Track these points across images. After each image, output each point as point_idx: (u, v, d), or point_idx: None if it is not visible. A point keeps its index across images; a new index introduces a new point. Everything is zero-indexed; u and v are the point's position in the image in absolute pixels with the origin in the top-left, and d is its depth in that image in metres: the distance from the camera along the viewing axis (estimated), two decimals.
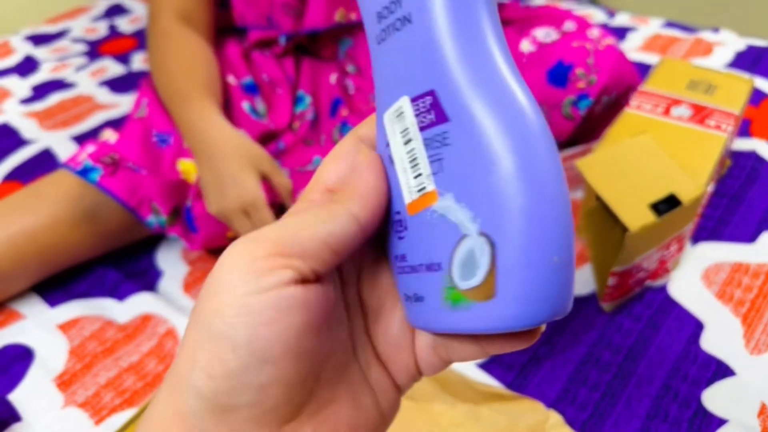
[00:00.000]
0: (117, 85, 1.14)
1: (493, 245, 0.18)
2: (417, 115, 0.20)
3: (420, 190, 0.20)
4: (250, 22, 0.83)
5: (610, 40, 0.80)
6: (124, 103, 1.08)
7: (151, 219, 0.72)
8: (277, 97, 0.83)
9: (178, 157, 0.74)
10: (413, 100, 0.20)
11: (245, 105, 0.80)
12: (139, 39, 1.30)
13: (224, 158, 0.65)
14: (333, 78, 0.86)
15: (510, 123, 0.18)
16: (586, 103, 0.78)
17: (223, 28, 0.86)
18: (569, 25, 0.81)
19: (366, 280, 0.24)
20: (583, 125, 0.81)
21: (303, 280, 0.19)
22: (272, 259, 0.19)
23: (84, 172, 0.70)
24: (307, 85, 0.86)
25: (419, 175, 0.20)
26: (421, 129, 0.20)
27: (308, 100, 0.85)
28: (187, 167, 0.74)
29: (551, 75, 0.78)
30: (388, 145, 0.21)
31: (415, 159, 0.20)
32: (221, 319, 0.19)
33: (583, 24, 0.82)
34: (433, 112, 0.19)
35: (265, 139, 0.80)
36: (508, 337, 0.21)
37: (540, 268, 0.18)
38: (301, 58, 0.86)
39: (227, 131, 0.67)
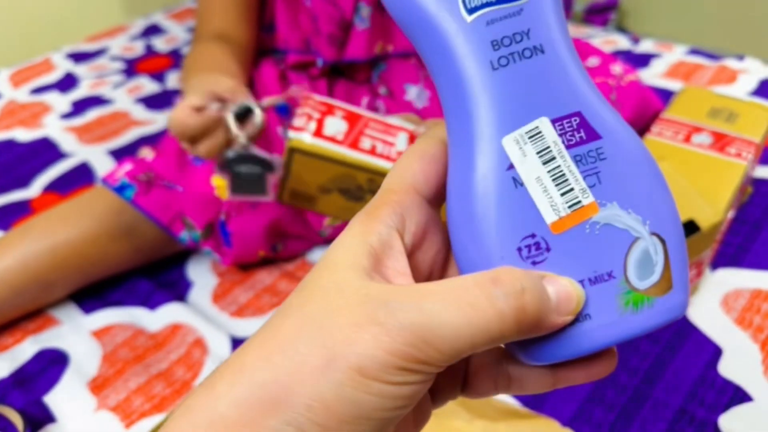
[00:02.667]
0: (152, 102, 1.19)
1: (664, 242, 0.21)
2: (561, 135, 0.22)
3: (573, 206, 0.21)
4: (291, 46, 0.86)
5: (633, 76, 0.82)
6: (158, 120, 1.12)
7: (184, 235, 0.75)
8: None
9: (213, 173, 0.77)
10: (555, 120, 0.22)
11: (279, 129, 0.83)
12: (174, 58, 1.35)
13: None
14: (364, 101, 0.88)
15: (638, 138, 0.22)
16: None
17: (264, 50, 0.89)
18: (593, 61, 0.83)
19: None
20: None
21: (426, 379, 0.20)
22: (420, 366, 0.19)
23: (120, 189, 0.74)
24: None
25: (570, 190, 0.21)
26: (568, 147, 0.22)
27: None
28: (220, 183, 0.77)
29: None
30: (511, 167, 0.21)
31: (562, 176, 0.21)
32: (354, 390, 0.19)
33: (607, 59, 0.83)
34: (583, 130, 0.22)
35: None
36: (587, 365, 0.23)
37: (686, 257, 0.22)
38: (336, 81, 0.89)
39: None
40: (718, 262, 0.73)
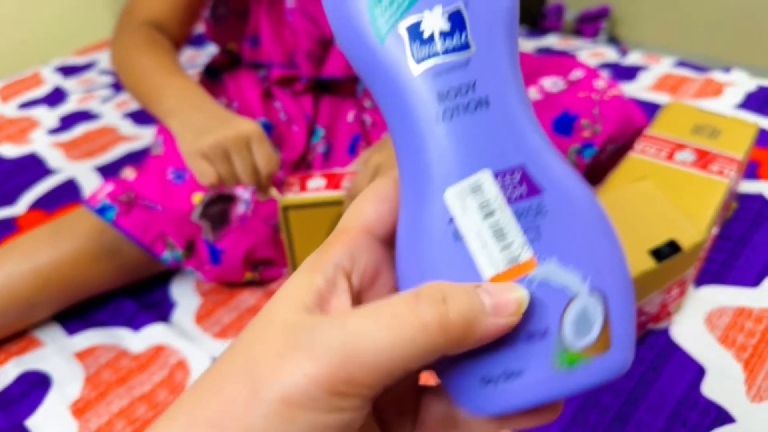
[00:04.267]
0: (140, 117, 1.18)
1: (605, 299, 0.21)
2: (503, 188, 0.21)
3: (511, 261, 0.21)
4: (275, 59, 0.86)
5: (616, 91, 0.82)
6: (146, 135, 1.12)
7: (166, 255, 0.75)
8: (293, 134, 0.86)
9: (193, 191, 0.77)
10: (497, 174, 0.21)
11: None
12: None
13: (217, 106, 0.65)
14: (351, 116, 0.88)
15: (586, 189, 0.22)
16: (590, 152, 0.80)
17: (248, 63, 0.89)
18: (577, 74, 0.84)
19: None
20: (588, 172, 0.83)
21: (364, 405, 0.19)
22: (358, 389, 0.19)
23: (102, 211, 0.74)
24: (324, 120, 0.89)
25: (509, 245, 0.21)
26: (509, 201, 0.21)
27: (321, 133, 0.88)
28: (200, 200, 0.76)
29: (557, 124, 0.80)
30: (451, 221, 0.21)
31: (501, 231, 0.21)
32: (284, 421, 0.18)
33: (591, 74, 0.84)
34: (525, 184, 0.21)
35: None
36: (533, 414, 0.22)
37: (633, 313, 0.21)
38: (321, 96, 0.89)
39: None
40: (701, 280, 0.73)
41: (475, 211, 0.21)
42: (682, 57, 1.24)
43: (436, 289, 0.19)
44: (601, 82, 0.83)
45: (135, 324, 0.74)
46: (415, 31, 0.22)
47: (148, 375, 0.68)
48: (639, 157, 0.72)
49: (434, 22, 0.21)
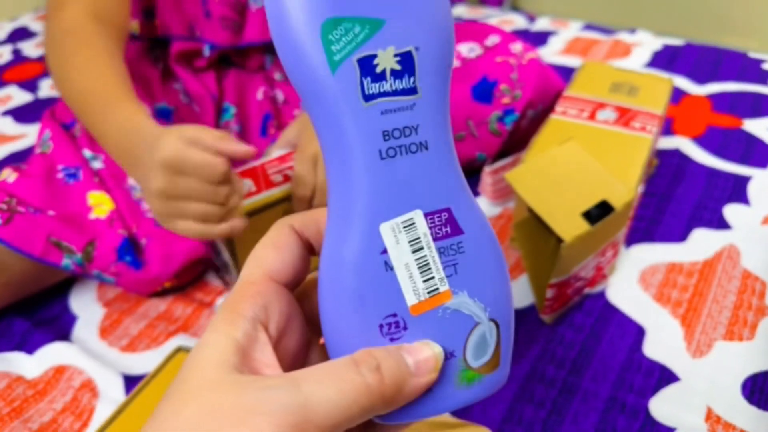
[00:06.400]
0: (22, 114, 1.07)
1: (498, 326, 0.24)
2: (431, 227, 0.23)
3: (431, 292, 0.23)
4: (173, 32, 0.78)
5: (533, 54, 0.80)
6: (30, 134, 1.01)
7: (66, 262, 0.66)
8: (196, 115, 0.79)
9: (88, 191, 0.68)
10: (427, 214, 0.23)
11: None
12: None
13: (141, 147, 0.55)
14: (260, 93, 0.82)
15: (491, 230, 0.25)
16: (511, 118, 0.77)
17: (140, 40, 0.80)
18: (493, 39, 0.81)
19: None
20: (510, 138, 0.80)
21: None
22: None
23: None
24: (233, 97, 0.81)
25: (431, 278, 0.23)
26: (435, 239, 0.23)
27: (233, 110, 0.81)
28: (98, 200, 0.68)
29: (476, 91, 0.77)
30: (385, 251, 0.23)
31: (426, 265, 0.23)
32: None
33: (507, 38, 0.81)
34: (449, 225, 0.23)
35: None
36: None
37: (512, 337, 0.25)
38: (225, 71, 0.82)
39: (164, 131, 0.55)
40: (632, 238, 0.72)
41: (406, 245, 0.23)
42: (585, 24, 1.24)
43: (370, 357, 0.21)
44: (518, 46, 0.80)
45: (29, 346, 0.65)
46: (368, 66, 0.22)
47: (47, 403, 0.60)
48: (561, 118, 0.70)
49: (387, 60, 0.22)
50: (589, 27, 1.21)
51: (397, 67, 0.22)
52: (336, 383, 0.20)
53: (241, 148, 0.53)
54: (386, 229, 0.23)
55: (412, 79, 0.22)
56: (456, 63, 0.78)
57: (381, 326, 0.23)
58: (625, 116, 0.69)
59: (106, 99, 0.59)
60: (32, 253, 0.64)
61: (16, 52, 1.29)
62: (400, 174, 0.23)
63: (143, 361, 0.63)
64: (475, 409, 0.56)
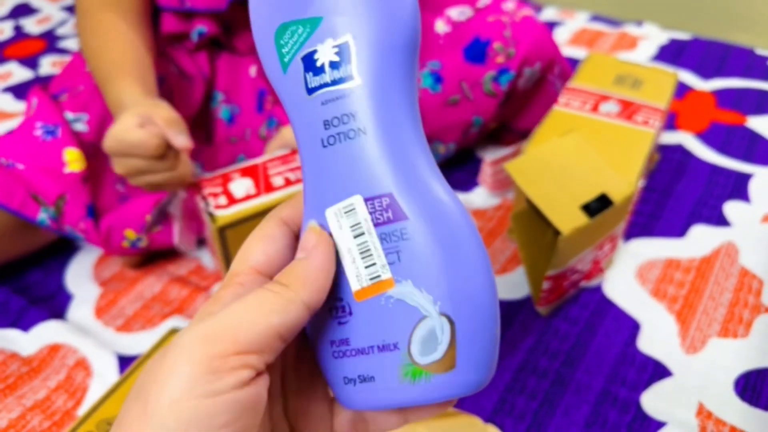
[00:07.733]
0: (23, 91, 1.06)
1: (452, 324, 0.22)
2: (372, 213, 0.23)
3: (373, 279, 0.23)
4: (164, 2, 0.77)
5: (527, 11, 0.78)
6: None
7: (42, 217, 0.65)
8: (185, 86, 0.78)
9: (64, 147, 0.68)
10: (367, 199, 0.23)
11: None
12: (48, 41, 1.22)
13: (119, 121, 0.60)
14: (253, 70, 0.81)
15: (461, 220, 0.23)
16: (507, 77, 0.75)
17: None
18: (484, 0, 0.79)
19: (289, 364, 0.25)
20: (508, 102, 0.79)
21: (257, 375, 0.21)
22: (231, 359, 0.20)
23: None
24: (224, 82, 0.81)
25: (372, 264, 0.23)
26: (376, 225, 0.23)
27: (220, 97, 0.80)
28: (73, 156, 0.68)
29: (468, 52, 0.75)
30: (330, 236, 0.23)
31: (367, 251, 0.23)
32: (175, 418, 0.19)
33: None
34: (391, 211, 0.23)
35: None
36: (414, 409, 0.24)
37: (490, 341, 0.23)
38: (218, 53, 0.81)
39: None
40: (630, 233, 0.72)
41: (348, 230, 0.23)
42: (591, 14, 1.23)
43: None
44: (510, 4, 0.78)
45: (24, 323, 0.65)
46: (309, 62, 0.23)
47: (41, 380, 0.60)
48: (564, 110, 0.69)
49: (325, 54, 0.23)
50: (595, 18, 1.20)
51: (336, 59, 0.23)
52: (244, 302, 0.21)
53: (179, 140, 0.58)
54: (330, 215, 0.24)
55: (348, 68, 0.23)
56: (447, 28, 0.77)
57: (331, 309, 0.24)
58: (628, 109, 0.69)
59: (107, 72, 0.64)
60: (9, 206, 0.64)
61: (18, 29, 1.28)
62: (341, 160, 0.23)
63: (138, 342, 0.63)
64: (467, 398, 0.56)
